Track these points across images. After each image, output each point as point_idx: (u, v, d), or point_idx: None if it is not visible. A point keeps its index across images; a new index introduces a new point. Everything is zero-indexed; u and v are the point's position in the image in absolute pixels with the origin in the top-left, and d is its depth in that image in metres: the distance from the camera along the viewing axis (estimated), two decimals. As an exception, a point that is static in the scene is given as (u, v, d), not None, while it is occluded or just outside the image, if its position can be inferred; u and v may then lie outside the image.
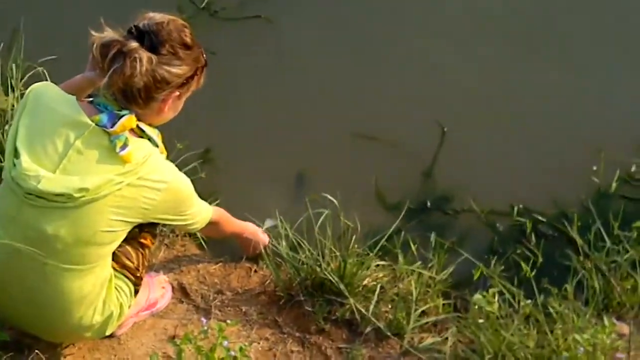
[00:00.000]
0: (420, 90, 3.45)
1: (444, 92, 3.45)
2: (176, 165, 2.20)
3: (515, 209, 3.12)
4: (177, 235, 2.96)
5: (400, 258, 2.80)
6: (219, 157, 3.23)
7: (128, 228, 2.14)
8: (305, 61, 3.53)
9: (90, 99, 2.12)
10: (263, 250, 2.77)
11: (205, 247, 2.94)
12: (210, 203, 2.52)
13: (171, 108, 2.14)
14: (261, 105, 3.40)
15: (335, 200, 2.78)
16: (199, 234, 2.88)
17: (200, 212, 2.33)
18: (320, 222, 2.75)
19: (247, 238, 2.75)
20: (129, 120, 2.03)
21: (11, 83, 3.05)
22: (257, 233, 2.78)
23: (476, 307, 2.44)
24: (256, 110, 3.39)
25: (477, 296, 2.42)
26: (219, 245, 2.91)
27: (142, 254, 2.30)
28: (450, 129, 3.37)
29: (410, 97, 3.45)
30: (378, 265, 2.74)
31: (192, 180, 2.25)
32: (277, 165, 3.21)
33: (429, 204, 3.16)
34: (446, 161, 3.27)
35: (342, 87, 3.47)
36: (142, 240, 2.31)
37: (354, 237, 2.74)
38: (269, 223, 2.82)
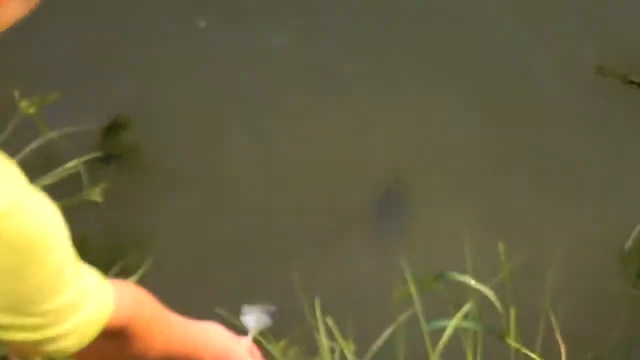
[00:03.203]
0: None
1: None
2: (21, 166, 1.12)
3: None
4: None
5: None
6: (145, 149, 2.28)
7: None
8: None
9: None
10: None
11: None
12: (113, 276, 1.75)
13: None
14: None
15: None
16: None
17: (82, 302, 1.22)
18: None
19: None
20: None
21: None
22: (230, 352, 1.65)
23: None
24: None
25: None
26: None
27: None
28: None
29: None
30: None
31: (65, 213, 1.11)
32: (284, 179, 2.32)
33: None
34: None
35: None
36: None
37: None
38: (251, 318, 1.68)
